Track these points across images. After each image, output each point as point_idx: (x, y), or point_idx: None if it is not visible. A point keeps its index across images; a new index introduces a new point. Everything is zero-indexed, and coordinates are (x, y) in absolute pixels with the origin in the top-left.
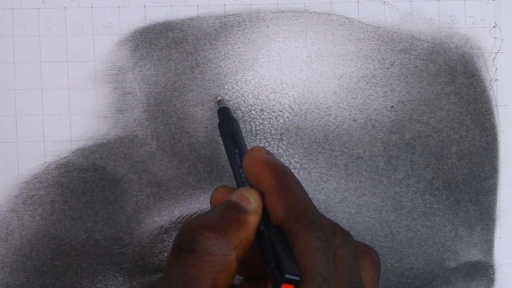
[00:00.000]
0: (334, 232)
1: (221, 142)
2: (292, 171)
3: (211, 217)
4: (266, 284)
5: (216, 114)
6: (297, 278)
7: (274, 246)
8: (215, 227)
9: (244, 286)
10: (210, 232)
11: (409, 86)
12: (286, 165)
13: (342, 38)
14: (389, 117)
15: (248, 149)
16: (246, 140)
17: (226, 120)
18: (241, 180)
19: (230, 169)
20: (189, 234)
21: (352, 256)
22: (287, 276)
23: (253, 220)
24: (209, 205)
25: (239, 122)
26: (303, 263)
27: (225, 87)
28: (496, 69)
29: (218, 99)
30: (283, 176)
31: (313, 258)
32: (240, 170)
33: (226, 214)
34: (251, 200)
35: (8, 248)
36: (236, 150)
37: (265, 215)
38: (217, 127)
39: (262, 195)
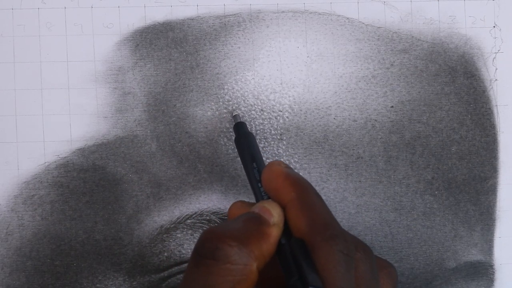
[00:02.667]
0: (355, 246)
1: (223, 143)
2: None
3: (234, 227)
4: None
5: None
6: None
7: (297, 259)
8: (238, 236)
9: None
10: (232, 241)
11: (409, 86)
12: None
13: (342, 38)
14: (389, 117)
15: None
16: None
17: (243, 135)
18: (260, 194)
19: (231, 170)
20: (212, 241)
21: (372, 270)
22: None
23: (275, 232)
24: (208, 205)
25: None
26: (326, 277)
27: (225, 87)
28: (496, 69)
29: (233, 114)
30: (304, 190)
31: (336, 272)
32: (259, 185)
33: (249, 224)
34: (273, 213)
35: (8, 248)
36: (254, 165)
37: (286, 228)
38: (233, 140)
39: (283, 209)
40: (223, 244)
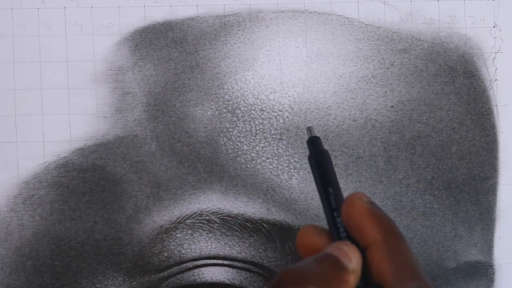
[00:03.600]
0: None
1: (222, 143)
2: (292, 171)
3: (311, 270)
4: None
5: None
6: None
7: None
8: (317, 281)
9: None
10: (311, 285)
11: (409, 86)
12: (286, 166)
13: (342, 38)
14: (389, 117)
15: (344, 193)
16: (246, 140)
17: (319, 153)
18: (336, 228)
19: (231, 170)
20: (292, 284)
21: None
22: None
23: (352, 280)
24: (208, 205)
25: (239, 122)
26: None
27: (225, 87)
28: (496, 69)
29: (307, 126)
30: (390, 232)
31: None
32: (335, 214)
33: (328, 269)
34: (352, 258)
35: (8, 248)
36: (330, 190)
37: (364, 272)
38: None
39: (364, 249)
40: None
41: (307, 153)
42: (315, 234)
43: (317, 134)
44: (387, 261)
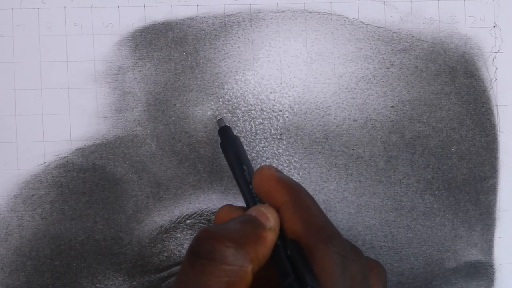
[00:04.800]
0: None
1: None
2: (292, 171)
3: (231, 228)
4: None
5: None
6: None
7: (293, 260)
8: (235, 237)
9: None
10: (229, 242)
11: (409, 86)
12: (286, 166)
13: (342, 38)
14: (389, 117)
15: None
16: (246, 140)
17: (229, 139)
18: (252, 197)
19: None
20: (208, 241)
21: (363, 271)
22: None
23: (271, 236)
24: (208, 205)
25: (239, 122)
26: (324, 278)
27: (225, 87)
28: (496, 69)
29: (218, 119)
30: (297, 192)
31: (333, 273)
32: (250, 186)
33: (246, 227)
34: (270, 217)
35: (8, 248)
36: (244, 167)
37: (280, 231)
38: (219, 145)
39: (277, 211)
40: (220, 245)
41: (308, 153)
42: (231, 211)
43: (227, 124)
44: (297, 217)
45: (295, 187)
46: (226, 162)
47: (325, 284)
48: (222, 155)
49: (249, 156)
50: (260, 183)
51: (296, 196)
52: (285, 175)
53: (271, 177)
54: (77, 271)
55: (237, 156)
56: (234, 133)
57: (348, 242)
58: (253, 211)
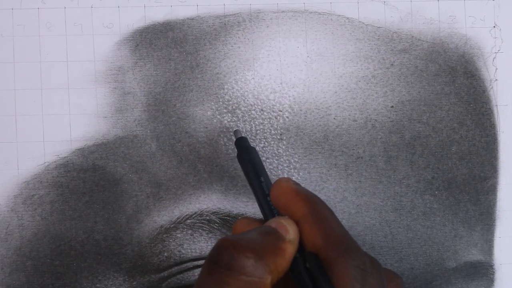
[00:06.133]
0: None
1: (223, 143)
2: (292, 171)
3: (251, 238)
4: None
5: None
6: None
7: (312, 273)
8: (255, 248)
9: None
10: (249, 252)
11: (409, 86)
12: (286, 166)
13: (342, 38)
14: (389, 117)
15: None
16: None
17: (246, 150)
18: (270, 209)
19: (231, 170)
20: (228, 250)
21: (382, 284)
22: None
23: (290, 249)
24: (208, 205)
25: (239, 122)
26: None
27: (225, 87)
28: (496, 69)
29: (234, 130)
30: (316, 205)
31: (352, 286)
32: (268, 198)
33: (265, 238)
34: (289, 230)
35: (8, 248)
36: (262, 179)
37: (299, 243)
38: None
39: (295, 223)
40: (240, 255)
41: (308, 153)
42: (248, 224)
43: (244, 135)
44: (316, 230)
45: (313, 199)
46: (225, 163)
47: None
48: (222, 155)
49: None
50: (278, 195)
51: (314, 208)
52: (303, 187)
53: (289, 189)
54: (77, 271)
55: (254, 168)
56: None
57: (367, 254)
58: (273, 223)
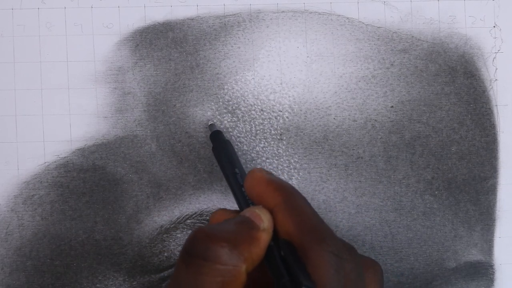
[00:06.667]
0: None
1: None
2: (292, 171)
3: (224, 228)
4: None
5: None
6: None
7: (286, 260)
8: (229, 238)
9: None
10: (223, 242)
11: (409, 86)
12: (286, 166)
13: (342, 38)
14: (389, 117)
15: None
16: (246, 140)
17: (220, 143)
18: (245, 199)
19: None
20: (203, 240)
21: (358, 270)
22: (304, 287)
23: (264, 237)
24: (208, 205)
25: (239, 122)
26: (318, 278)
27: (225, 87)
28: (496, 69)
29: (209, 124)
30: (289, 194)
31: (327, 273)
32: (243, 189)
33: (240, 228)
34: (264, 219)
35: (8, 248)
36: (237, 170)
37: (273, 232)
38: (211, 150)
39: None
40: (214, 245)
41: (308, 153)
42: (226, 214)
43: (219, 129)
44: (290, 218)
45: (286, 188)
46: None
47: (319, 284)
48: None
49: (249, 157)
50: (251, 185)
51: (288, 197)
52: (277, 177)
53: (262, 179)
54: (77, 271)
55: (229, 160)
56: (234, 133)
57: (342, 241)
58: (247, 212)
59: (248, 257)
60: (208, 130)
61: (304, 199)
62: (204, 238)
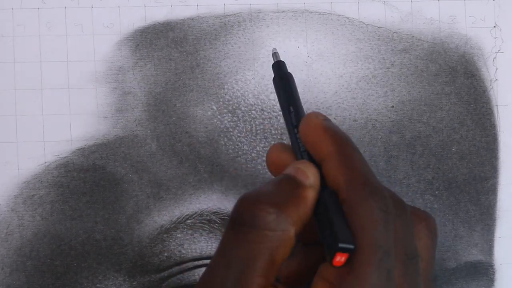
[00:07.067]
0: (392, 202)
1: (223, 143)
2: None
3: (270, 191)
4: (323, 251)
5: None
6: (352, 247)
7: (328, 212)
8: (275, 201)
9: (300, 253)
10: (270, 207)
11: (409, 86)
12: None
13: (342, 38)
14: (389, 117)
15: (305, 110)
16: (246, 140)
17: (284, 75)
18: (297, 144)
19: (231, 170)
20: (249, 208)
21: (407, 225)
22: (341, 245)
23: (311, 195)
24: (209, 205)
25: (239, 122)
26: (365, 235)
27: (225, 87)
28: (496, 69)
29: (273, 52)
30: (343, 144)
31: (375, 230)
32: (296, 130)
33: (285, 188)
34: (309, 174)
35: (8, 248)
36: (291, 108)
37: (322, 183)
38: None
39: (320, 162)
40: (261, 211)
41: None
42: (280, 150)
43: (282, 59)
44: (340, 170)
45: (342, 138)
46: (226, 163)
47: (365, 242)
48: (222, 155)
49: (249, 156)
50: (306, 132)
51: (341, 147)
52: (333, 123)
53: (317, 126)
54: (77, 271)
55: (286, 96)
56: (234, 133)
57: (392, 195)
58: (291, 169)
59: (296, 219)
60: (270, 60)
61: (358, 150)
62: (250, 205)
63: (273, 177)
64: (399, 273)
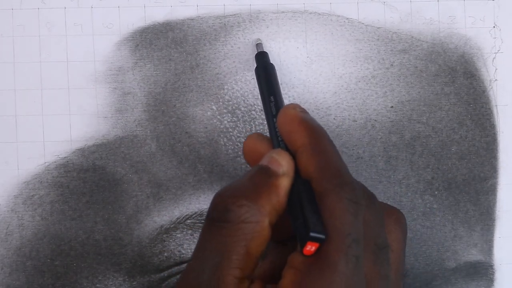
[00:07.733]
0: (362, 193)
1: (223, 143)
2: None
3: (242, 184)
4: (295, 247)
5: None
6: (322, 237)
7: (301, 202)
8: (246, 194)
9: (273, 251)
10: (241, 200)
11: (409, 86)
12: None
13: (342, 38)
14: (388, 117)
15: (284, 102)
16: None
17: (265, 65)
18: (274, 133)
19: (230, 170)
20: (221, 203)
21: (377, 216)
22: (312, 234)
23: (284, 183)
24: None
25: (239, 122)
26: (333, 224)
27: (225, 87)
28: (496, 69)
29: (257, 43)
30: (317, 136)
31: (344, 219)
32: (274, 120)
33: (257, 179)
34: (282, 162)
35: (8, 248)
36: (272, 98)
37: (296, 174)
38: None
39: (295, 153)
40: (233, 205)
41: None
42: (257, 140)
43: (265, 50)
44: (312, 161)
45: (316, 130)
46: (225, 163)
47: (334, 230)
48: (222, 155)
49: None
50: (283, 122)
51: (315, 139)
52: (310, 116)
53: (294, 117)
54: (77, 271)
55: (267, 86)
56: (234, 133)
57: (363, 188)
58: (265, 160)
59: (270, 209)
60: (253, 49)
61: (332, 142)
62: (222, 201)
63: (249, 167)
64: (368, 262)
